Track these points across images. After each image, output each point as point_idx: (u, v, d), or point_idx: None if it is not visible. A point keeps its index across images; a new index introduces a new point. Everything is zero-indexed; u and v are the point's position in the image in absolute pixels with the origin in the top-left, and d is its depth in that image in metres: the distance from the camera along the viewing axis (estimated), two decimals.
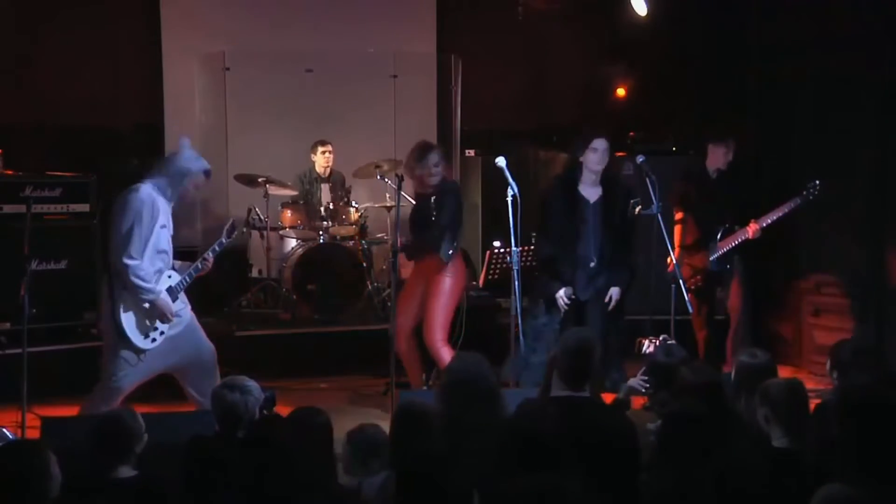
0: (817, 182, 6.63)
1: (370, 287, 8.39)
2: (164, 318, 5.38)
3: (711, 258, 6.90)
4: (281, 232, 8.51)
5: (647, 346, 5.71)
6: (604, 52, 9.65)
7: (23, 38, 8.56)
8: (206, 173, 5.56)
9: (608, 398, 4.92)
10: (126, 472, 3.75)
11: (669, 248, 6.12)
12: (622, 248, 6.29)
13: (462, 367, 4.11)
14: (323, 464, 3.70)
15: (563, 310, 6.14)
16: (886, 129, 7.25)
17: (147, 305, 5.33)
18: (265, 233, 8.36)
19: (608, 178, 6.31)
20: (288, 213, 8.50)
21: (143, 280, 5.28)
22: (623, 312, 6.41)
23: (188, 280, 5.52)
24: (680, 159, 8.41)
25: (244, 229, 8.47)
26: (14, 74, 8.53)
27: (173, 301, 5.41)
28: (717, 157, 7.02)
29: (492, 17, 9.64)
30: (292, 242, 8.57)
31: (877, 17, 7.26)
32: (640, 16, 8.52)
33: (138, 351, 5.37)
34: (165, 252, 5.42)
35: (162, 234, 5.36)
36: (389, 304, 7.25)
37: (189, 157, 5.50)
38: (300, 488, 3.33)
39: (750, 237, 6.81)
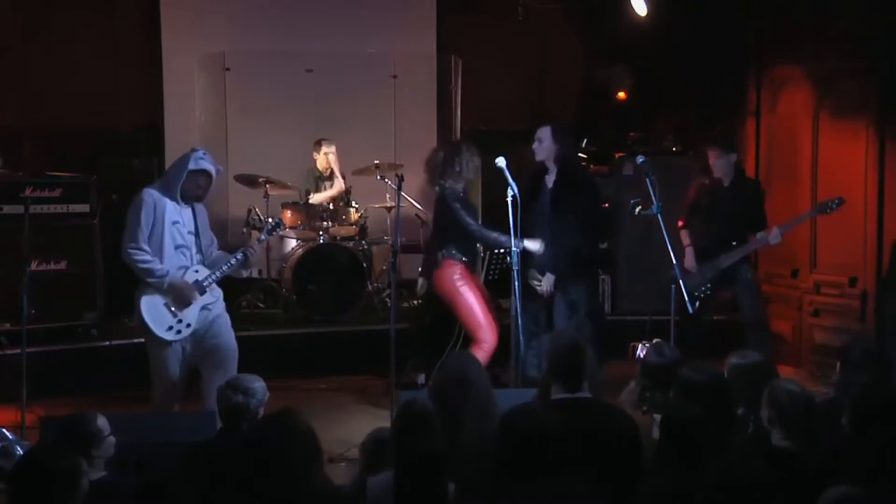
0: (840, 199, 6.46)
1: (370, 287, 8.39)
2: (185, 301, 5.41)
3: (725, 265, 6.69)
4: (281, 232, 8.50)
5: (640, 351, 5.69)
6: (604, 52, 9.65)
7: (23, 38, 8.56)
8: (203, 173, 5.51)
9: None
10: (92, 474, 3.73)
11: (670, 248, 6.09)
12: (573, 233, 6.36)
13: (452, 368, 4.10)
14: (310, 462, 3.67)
15: (540, 293, 6.30)
16: (886, 129, 7.25)
17: (167, 296, 5.39)
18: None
19: (564, 161, 6.49)
20: (288, 214, 8.50)
21: (146, 262, 5.35)
22: (582, 306, 6.45)
23: (220, 275, 5.56)
24: (680, 159, 8.42)
25: (244, 229, 8.48)
26: (14, 75, 8.53)
27: (201, 294, 5.48)
28: (722, 166, 6.89)
29: (492, 17, 9.64)
30: (292, 243, 8.57)
31: (877, 17, 7.25)
32: (640, 16, 8.51)
33: (162, 343, 5.41)
34: (185, 247, 5.49)
35: (174, 230, 5.43)
36: (389, 303, 7.25)
37: (189, 158, 5.49)
38: (301, 487, 3.33)
39: (771, 243, 6.61)
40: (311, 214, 8.48)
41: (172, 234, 5.43)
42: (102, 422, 3.88)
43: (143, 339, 5.59)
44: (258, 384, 4.13)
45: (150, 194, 5.43)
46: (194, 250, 5.54)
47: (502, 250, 6.79)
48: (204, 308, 5.51)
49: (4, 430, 5.59)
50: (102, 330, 7.54)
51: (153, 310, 5.39)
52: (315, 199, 8.64)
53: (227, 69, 9.20)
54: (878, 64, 7.26)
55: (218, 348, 5.58)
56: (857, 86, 7.43)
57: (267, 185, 8.29)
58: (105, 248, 7.61)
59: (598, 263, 7.17)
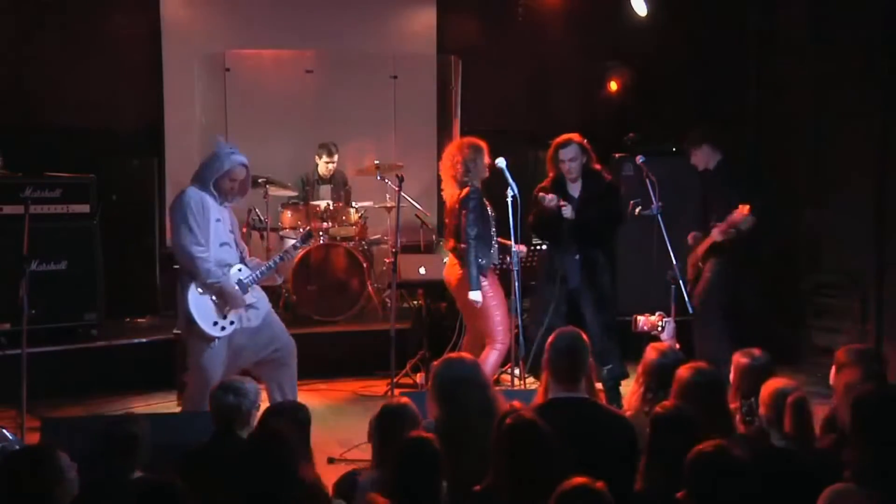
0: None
1: (370, 287, 8.40)
2: (235, 305, 5.42)
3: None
4: (281, 233, 8.50)
5: (643, 324, 5.68)
6: (604, 52, 9.64)
7: (23, 38, 8.55)
8: (243, 166, 5.52)
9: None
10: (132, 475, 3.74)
11: (670, 248, 6.08)
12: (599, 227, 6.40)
13: (453, 371, 4.09)
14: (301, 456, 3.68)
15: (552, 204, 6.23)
16: (886, 129, 7.24)
17: (216, 296, 5.39)
18: (265, 233, 8.36)
19: (588, 173, 6.45)
20: (288, 214, 8.50)
21: (206, 262, 5.34)
22: (609, 302, 6.44)
23: (260, 276, 5.58)
24: (680, 160, 8.40)
25: (244, 230, 8.47)
26: (14, 75, 8.53)
27: (244, 293, 5.47)
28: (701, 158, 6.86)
29: (492, 17, 9.64)
30: (292, 242, 8.55)
31: (876, 16, 7.25)
32: (640, 16, 8.51)
33: (208, 338, 5.37)
34: (228, 244, 5.53)
35: (218, 227, 5.46)
36: (389, 303, 7.25)
37: (222, 157, 5.48)
38: (294, 485, 3.34)
39: (716, 238, 6.51)
40: (310, 215, 8.48)
41: (217, 232, 5.46)
42: (144, 423, 3.89)
43: (156, 337, 5.60)
44: (251, 385, 4.14)
45: (195, 191, 5.42)
46: (235, 248, 5.58)
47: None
48: (249, 307, 5.52)
49: (4, 431, 5.61)
50: (102, 330, 7.54)
51: (200, 304, 5.38)
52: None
53: (228, 69, 9.21)
54: (879, 63, 7.26)
55: (273, 344, 5.62)
56: (857, 86, 7.42)
57: (267, 186, 8.29)
58: (105, 248, 7.62)
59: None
